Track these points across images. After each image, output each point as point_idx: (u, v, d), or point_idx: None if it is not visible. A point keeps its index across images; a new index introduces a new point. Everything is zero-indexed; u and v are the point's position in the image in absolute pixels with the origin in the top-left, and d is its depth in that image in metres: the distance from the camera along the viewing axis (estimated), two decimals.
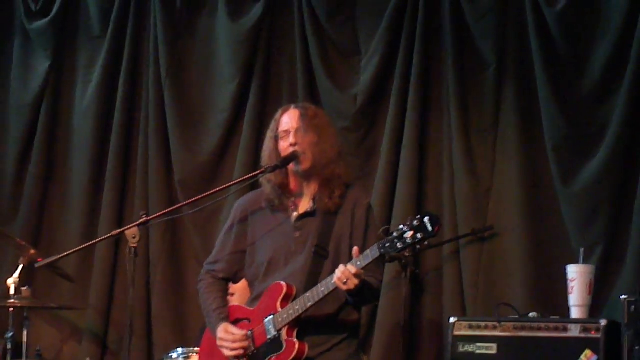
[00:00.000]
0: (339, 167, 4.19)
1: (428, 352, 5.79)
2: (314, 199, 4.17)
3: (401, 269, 5.49)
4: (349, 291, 3.90)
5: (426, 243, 3.86)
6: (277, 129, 4.23)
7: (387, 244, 3.81)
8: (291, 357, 3.96)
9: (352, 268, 3.82)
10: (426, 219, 3.73)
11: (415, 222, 3.77)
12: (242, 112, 6.44)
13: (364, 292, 3.97)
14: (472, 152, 5.86)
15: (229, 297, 4.65)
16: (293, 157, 4.12)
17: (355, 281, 3.82)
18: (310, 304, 3.95)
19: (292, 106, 4.30)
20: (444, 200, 5.90)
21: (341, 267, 3.83)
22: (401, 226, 3.80)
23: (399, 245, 3.79)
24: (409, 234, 3.75)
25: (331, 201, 4.15)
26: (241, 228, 4.33)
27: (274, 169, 4.15)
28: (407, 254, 4.03)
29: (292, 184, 4.23)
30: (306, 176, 4.18)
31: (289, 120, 4.21)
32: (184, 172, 6.56)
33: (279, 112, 4.30)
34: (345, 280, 3.81)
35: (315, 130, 4.17)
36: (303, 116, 4.19)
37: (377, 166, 6.12)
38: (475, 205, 5.80)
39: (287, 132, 4.17)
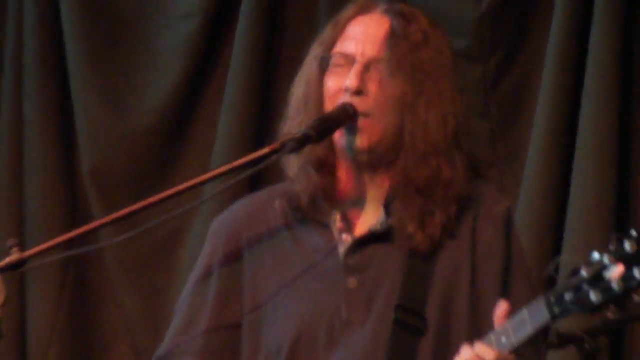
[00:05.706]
0: (451, 162, 2.73)
1: None
2: (386, 207, 2.74)
3: (583, 358, 4.22)
4: None
5: None
6: (332, 47, 2.78)
7: (567, 296, 2.38)
8: None
9: (489, 353, 2.45)
10: None
11: (627, 245, 2.36)
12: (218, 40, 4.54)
13: None
14: None
15: None
16: (344, 113, 2.68)
17: None
18: None
19: (381, 3, 2.81)
20: None
21: (467, 351, 2.55)
22: (596, 255, 2.39)
23: (593, 297, 2.35)
24: (616, 270, 2.28)
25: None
26: (228, 278, 2.89)
27: (301, 141, 2.67)
28: (609, 316, 2.23)
29: (343, 176, 2.84)
30: (370, 163, 2.77)
31: (362, 32, 2.75)
32: (100, 156, 4.82)
33: (349, 8, 2.80)
34: None
35: (412, 73, 2.69)
36: (396, 33, 2.72)
37: (527, 130, 4.35)
38: None
39: (350, 58, 2.71)
